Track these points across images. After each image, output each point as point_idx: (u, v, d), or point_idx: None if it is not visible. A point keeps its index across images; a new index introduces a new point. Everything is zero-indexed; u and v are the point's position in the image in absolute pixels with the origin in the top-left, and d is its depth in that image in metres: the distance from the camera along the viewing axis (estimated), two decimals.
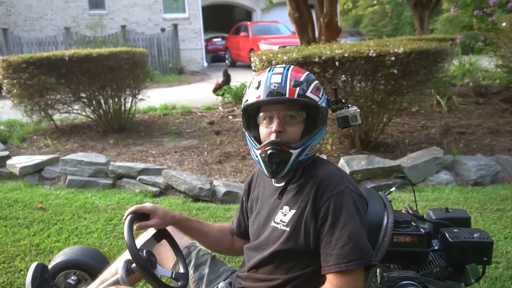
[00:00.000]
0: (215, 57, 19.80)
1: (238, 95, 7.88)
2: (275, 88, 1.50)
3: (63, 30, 15.04)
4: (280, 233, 1.55)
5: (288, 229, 1.52)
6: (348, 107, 1.66)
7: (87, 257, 2.29)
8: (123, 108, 6.21)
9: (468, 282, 1.72)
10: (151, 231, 1.86)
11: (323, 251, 1.44)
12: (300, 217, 1.51)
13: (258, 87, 1.53)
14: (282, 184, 1.62)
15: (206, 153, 5.10)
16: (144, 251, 1.65)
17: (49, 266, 2.21)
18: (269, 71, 1.57)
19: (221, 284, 1.77)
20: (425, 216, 1.84)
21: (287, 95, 1.49)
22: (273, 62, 4.45)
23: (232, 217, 3.47)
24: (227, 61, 18.72)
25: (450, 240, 1.66)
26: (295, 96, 1.49)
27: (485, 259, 1.67)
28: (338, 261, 1.39)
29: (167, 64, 15.57)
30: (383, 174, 4.22)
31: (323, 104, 1.56)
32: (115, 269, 1.96)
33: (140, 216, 1.78)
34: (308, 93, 1.51)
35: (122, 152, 5.23)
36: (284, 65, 1.59)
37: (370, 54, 4.16)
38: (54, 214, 3.59)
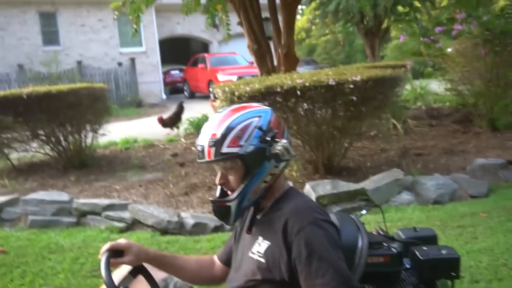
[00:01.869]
0: (173, 89, 19.82)
1: (199, 126, 7.89)
2: (200, 150, 1.54)
3: (16, 67, 14.71)
4: (256, 264, 1.57)
5: (263, 260, 1.55)
6: (276, 142, 1.55)
7: None
8: (83, 144, 6.11)
9: None
10: (126, 266, 1.84)
11: (305, 284, 1.46)
12: (274, 250, 1.53)
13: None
14: (258, 216, 1.66)
15: (171, 185, 5.07)
16: None
17: None
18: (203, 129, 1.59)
19: None
20: (395, 236, 1.92)
21: (206, 158, 1.52)
22: (236, 93, 4.53)
23: (202, 249, 3.48)
24: (185, 93, 18.78)
25: (420, 258, 1.73)
26: (212, 158, 1.51)
27: (453, 274, 1.74)
28: None
29: (125, 98, 15.46)
30: (348, 197, 4.33)
31: (249, 149, 1.51)
32: None
33: (115, 253, 1.76)
34: (224, 149, 1.50)
35: (84, 188, 5.12)
36: (217, 114, 1.57)
37: (330, 83, 4.31)
38: (17, 256, 3.45)
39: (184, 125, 8.12)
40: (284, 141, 1.57)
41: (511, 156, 5.42)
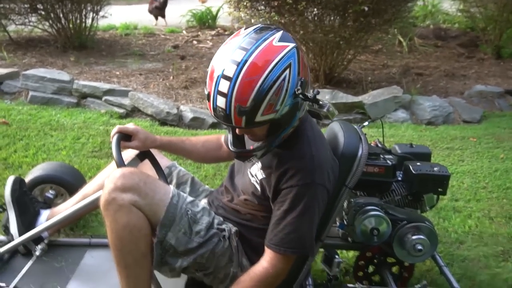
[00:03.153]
0: None
1: (202, 20, 7.69)
2: (221, 114, 1.37)
3: None
4: (252, 189, 1.64)
5: (259, 188, 1.62)
6: (319, 104, 1.48)
7: (64, 173, 2.34)
8: (83, 24, 5.94)
9: (424, 209, 1.94)
10: (133, 150, 1.93)
11: (271, 227, 1.53)
12: (266, 184, 1.57)
13: (208, 99, 1.40)
14: None
15: (171, 77, 5.07)
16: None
17: (26, 180, 2.25)
18: (215, 84, 1.35)
19: (203, 200, 1.91)
20: (391, 150, 2.02)
21: (233, 124, 1.38)
22: None
23: None
24: None
25: (413, 172, 1.85)
26: (243, 126, 1.38)
27: (440, 190, 1.88)
28: (279, 244, 1.50)
29: None
30: (345, 109, 4.40)
31: (284, 111, 1.39)
32: (96, 185, 2.04)
33: (124, 137, 1.84)
34: (258, 118, 1.36)
35: (84, 70, 5.09)
36: (232, 74, 1.32)
37: None
38: (19, 129, 3.54)
39: (186, 16, 7.87)
40: (328, 104, 1.51)
41: (511, 85, 5.46)
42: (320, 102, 1.47)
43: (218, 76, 1.34)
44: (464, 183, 3.15)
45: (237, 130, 1.52)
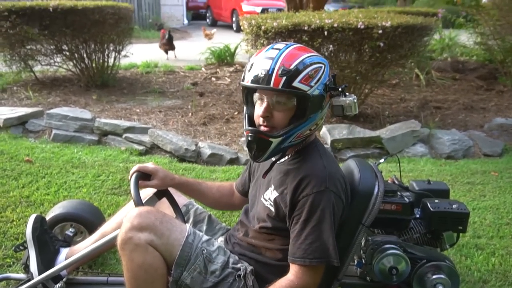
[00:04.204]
0: (195, 14, 19.40)
1: (221, 57, 7.86)
2: (261, 76, 1.47)
3: None
4: (267, 211, 1.66)
5: (273, 209, 1.63)
6: (346, 95, 1.61)
7: (84, 211, 2.38)
8: (106, 63, 6.14)
9: (444, 247, 1.90)
10: (150, 188, 1.96)
11: (292, 242, 1.55)
12: (281, 201, 1.60)
13: (250, 70, 1.52)
14: (277, 161, 1.68)
15: (190, 114, 5.16)
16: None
17: (47, 218, 2.29)
18: (265, 51, 1.54)
19: (220, 238, 1.91)
20: (409, 187, 2.00)
21: (271, 84, 1.46)
22: (263, 27, 4.49)
23: (217, 179, 3.61)
24: (207, 20, 18.41)
25: (431, 209, 1.82)
26: (280, 87, 1.46)
27: (460, 228, 1.84)
28: (304, 256, 1.51)
29: (146, 19, 15.20)
30: (363, 144, 4.39)
31: (315, 92, 1.50)
32: (115, 223, 2.06)
33: (143, 175, 1.88)
34: (296, 83, 1.47)
35: (105, 108, 5.23)
36: (282, 46, 1.53)
37: (359, 26, 4.24)
38: (42, 167, 3.63)
39: (205, 54, 8.06)
40: (353, 96, 1.61)
41: None
42: (346, 94, 1.61)
43: (265, 50, 1.53)
44: (487, 219, 3.08)
45: (266, 103, 1.52)
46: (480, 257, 2.63)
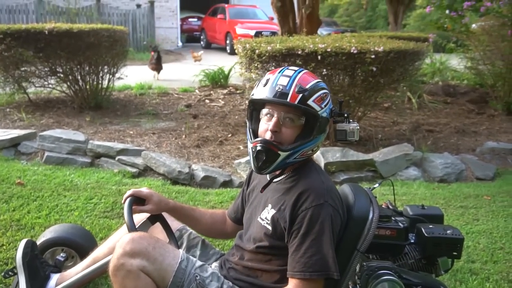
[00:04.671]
0: (190, 37, 19.62)
1: (215, 79, 7.91)
2: (279, 90, 1.56)
3: None
4: (264, 230, 1.66)
5: (270, 228, 1.64)
6: (349, 122, 1.72)
7: (76, 235, 2.35)
8: (100, 85, 6.16)
9: (438, 273, 1.89)
10: (144, 213, 1.94)
11: (291, 256, 1.55)
12: (279, 217, 1.61)
13: (265, 85, 1.61)
14: (275, 180, 1.72)
15: (184, 136, 5.16)
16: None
17: (38, 243, 2.25)
18: (279, 72, 1.64)
19: (214, 264, 1.89)
20: (403, 212, 2.00)
21: (288, 99, 1.55)
22: (257, 51, 4.54)
23: (211, 202, 3.59)
24: (202, 42, 18.59)
25: (425, 235, 1.82)
26: (296, 102, 1.55)
27: (455, 253, 1.83)
28: (303, 269, 1.51)
29: (141, 41, 15.32)
30: (356, 167, 4.40)
31: (324, 114, 1.61)
32: (107, 248, 2.03)
33: (137, 200, 1.87)
34: (310, 102, 1.57)
35: (99, 130, 5.22)
36: (296, 68, 1.66)
37: (352, 51, 4.30)
38: (33, 190, 3.59)
39: (199, 76, 8.11)
40: (356, 123, 1.72)
41: None
42: (350, 120, 1.72)
43: (280, 71, 1.64)
44: (480, 244, 3.08)
45: (276, 118, 1.59)
46: (475, 282, 2.62)
